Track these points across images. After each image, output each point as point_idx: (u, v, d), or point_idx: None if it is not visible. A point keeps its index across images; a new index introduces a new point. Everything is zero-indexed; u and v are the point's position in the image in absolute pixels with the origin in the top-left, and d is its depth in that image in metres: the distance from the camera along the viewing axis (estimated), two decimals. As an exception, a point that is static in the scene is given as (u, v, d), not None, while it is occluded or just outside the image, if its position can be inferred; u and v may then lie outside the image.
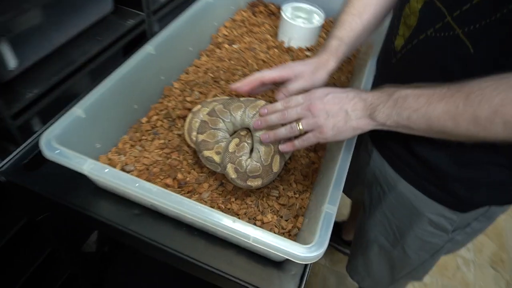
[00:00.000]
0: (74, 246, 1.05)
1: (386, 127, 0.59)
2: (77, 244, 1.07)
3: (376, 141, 0.84)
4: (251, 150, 0.71)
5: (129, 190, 0.56)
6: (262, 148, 0.67)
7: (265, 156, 0.67)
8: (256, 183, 0.65)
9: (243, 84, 0.72)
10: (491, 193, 0.68)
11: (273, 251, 0.52)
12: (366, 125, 0.59)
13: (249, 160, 0.68)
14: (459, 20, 0.54)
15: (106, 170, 0.57)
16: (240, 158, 0.67)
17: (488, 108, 0.46)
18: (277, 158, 0.66)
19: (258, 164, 0.66)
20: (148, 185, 0.56)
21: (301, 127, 0.62)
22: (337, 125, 0.59)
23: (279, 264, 0.64)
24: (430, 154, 0.67)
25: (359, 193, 1.00)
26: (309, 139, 0.62)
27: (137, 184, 0.56)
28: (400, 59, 0.69)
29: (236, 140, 0.69)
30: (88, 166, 0.58)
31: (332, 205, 0.57)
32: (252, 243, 0.52)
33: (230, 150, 0.67)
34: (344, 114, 0.60)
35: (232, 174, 0.65)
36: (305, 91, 0.67)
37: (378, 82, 0.80)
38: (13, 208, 0.90)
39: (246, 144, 0.69)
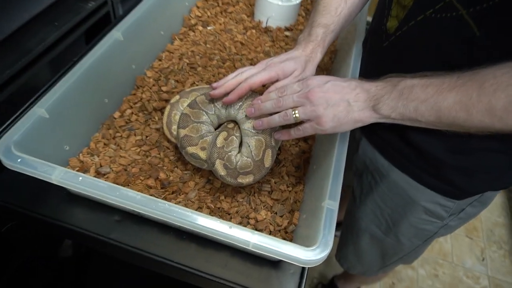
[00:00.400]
0: (48, 253, 0.97)
1: (390, 120, 0.55)
2: (51, 251, 0.99)
3: (365, 129, 0.80)
4: (240, 144, 0.65)
5: (109, 199, 0.49)
6: (252, 142, 0.62)
7: (256, 150, 0.62)
8: (247, 180, 0.60)
9: (232, 95, 0.64)
10: (486, 179, 0.66)
11: (274, 256, 0.48)
12: (368, 117, 0.55)
13: (239, 155, 0.63)
14: (463, 0, 0.50)
15: (80, 179, 0.50)
16: (230, 153, 0.62)
17: (504, 97, 0.43)
18: (268, 152, 0.62)
19: (249, 159, 0.61)
20: (131, 192, 0.49)
21: (297, 115, 0.57)
22: (338, 116, 0.55)
23: (276, 264, 0.61)
24: (423, 142, 0.64)
25: (345, 178, 0.97)
26: (306, 130, 0.58)
27: (117, 193, 0.49)
28: (394, 42, 0.64)
29: (224, 134, 0.63)
30: (58, 175, 0.50)
31: (332, 200, 0.53)
32: (252, 249, 0.48)
33: (218, 145, 0.61)
34: (345, 104, 0.55)
35: (221, 171, 0.60)
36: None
37: (368, 67, 0.76)
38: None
39: (234, 137, 0.64)
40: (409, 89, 0.52)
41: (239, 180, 0.60)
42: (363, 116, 0.55)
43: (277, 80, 0.65)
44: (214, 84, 0.66)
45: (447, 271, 1.68)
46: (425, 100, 0.50)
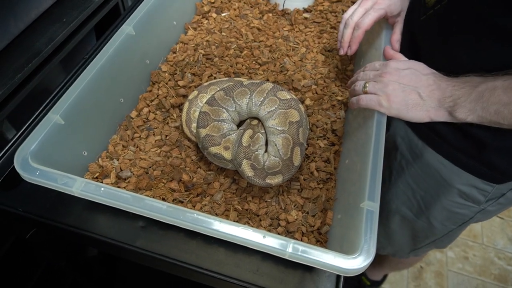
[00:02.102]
0: (73, 255, 0.97)
1: (463, 121, 0.53)
2: (76, 253, 0.99)
3: None
4: (266, 143, 0.61)
5: (134, 211, 0.46)
6: (279, 140, 0.58)
7: (284, 149, 0.57)
8: (276, 180, 0.56)
9: (354, 46, 0.70)
10: None
11: (313, 266, 0.45)
12: (440, 117, 0.56)
13: (266, 154, 0.59)
14: None
15: (102, 190, 0.47)
16: (256, 152, 0.58)
17: None
18: (297, 150, 0.57)
19: (277, 158, 0.57)
20: (156, 203, 0.46)
21: (366, 88, 0.59)
22: (407, 102, 0.56)
23: (310, 266, 0.57)
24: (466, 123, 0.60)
25: None
26: (370, 101, 0.58)
27: (142, 204, 0.46)
28: (432, 16, 0.59)
29: (249, 132, 0.59)
30: (79, 187, 0.48)
31: (372, 201, 0.49)
32: (289, 258, 0.45)
33: (244, 144, 0.57)
34: (416, 95, 0.55)
35: (249, 172, 0.56)
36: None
37: (402, 41, 0.70)
38: (-3, 227, 0.79)
39: (260, 135, 0.60)
40: (490, 91, 0.50)
41: (268, 181, 0.56)
42: (436, 114, 0.56)
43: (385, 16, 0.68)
44: (338, 45, 0.73)
45: (478, 253, 1.62)
46: (508, 103, 0.48)
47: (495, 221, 1.72)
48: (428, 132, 0.69)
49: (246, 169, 0.56)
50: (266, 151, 0.60)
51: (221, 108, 0.63)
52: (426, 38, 0.64)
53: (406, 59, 0.62)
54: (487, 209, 0.74)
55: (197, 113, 0.67)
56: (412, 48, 0.68)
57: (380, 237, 1.01)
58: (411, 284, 1.52)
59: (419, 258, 1.25)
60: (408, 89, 0.56)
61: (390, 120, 0.79)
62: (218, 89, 0.67)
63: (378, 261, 1.33)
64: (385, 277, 1.48)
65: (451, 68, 0.57)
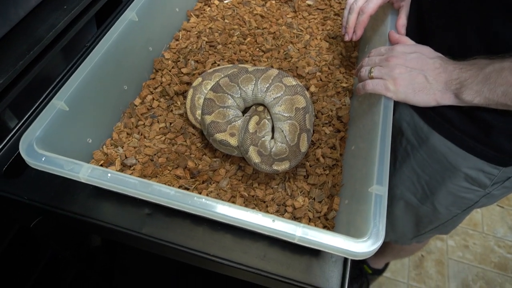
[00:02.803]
0: (77, 245, 0.97)
1: (471, 104, 0.53)
2: (81, 242, 0.99)
3: None
4: (272, 129, 0.61)
5: (142, 196, 0.46)
6: (285, 127, 0.58)
7: (291, 135, 0.57)
8: (283, 166, 0.56)
9: (359, 31, 0.70)
10: None
11: (322, 249, 0.45)
12: (446, 100, 0.55)
13: (272, 141, 0.58)
14: None
15: (109, 175, 0.47)
16: (263, 138, 0.57)
17: None
18: (304, 136, 0.57)
19: (284, 144, 0.57)
20: (164, 188, 0.46)
21: (372, 73, 0.58)
22: (414, 85, 0.55)
23: (317, 252, 0.57)
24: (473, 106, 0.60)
25: None
26: (377, 86, 0.57)
27: (149, 189, 0.46)
28: None
29: (255, 118, 0.59)
30: (85, 173, 0.47)
31: (380, 185, 0.49)
32: (298, 242, 0.45)
33: (250, 130, 0.57)
34: (423, 78, 0.55)
35: (256, 159, 0.56)
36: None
37: (409, 18, 0.70)
38: (0, 215, 0.79)
39: (266, 121, 0.59)
40: (497, 72, 0.49)
41: (275, 168, 0.56)
42: (443, 98, 0.55)
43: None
44: (343, 31, 0.73)
45: (478, 242, 1.63)
46: None
47: (495, 209, 1.73)
48: (435, 116, 0.69)
49: (253, 155, 0.56)
50: (272, 137, 0.60)
51: (226, 94, 0.62)
52: (434, 19, 0.63)
53: (413, 42, 0.62)
54: (492, 193, 0.74)
55: (201, 100, 0.67)
56: (419, 31, 0.67)
57: None
58: (412, 273, 1.53)
59: (421, 246, 1.26)
60: (414, 73, 0.56)
61: (395, 105, 0.79)
62: (222, 75, 0.67)
63: (380, 249, 1.33)
64: (386, 265, 1.49)
65: (459, 49, 0.57)
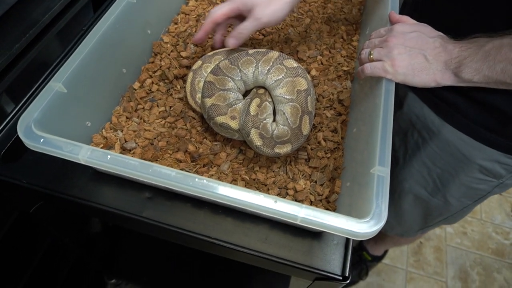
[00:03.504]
0: (77, 231, 0.97)
1: (471, 84, 0.52)
2: (80, 229, 0.99)
3: None
4: (273, 112, 0.60)
5: (142, 178, 0.46)
6: (287, 109, 0.57)
7: (293, 117, 0.56)
8: (285, 149, 0.55)
9: (199, 32, 0.65)
10: None
11: (325, 230, 0.44)
12: (447, 80, 0.53)
13: (274, 123, 0.58)
14: None
15: (109, 157, 0.46)
16: (265, 121, 0.57)
17: None
18: (306, 118, 0.56)
19: (286, 127, 0.56)
20: (165, 169, 0.45)
21: (372, 55, 0.57)
22: (413, 65, 0.54)
23: (319, 235, 0.57)
24: (488, 95, 0.58)
25: None
26: (376, 69, 0.56)
27: (150, 170, 0.45)
28: None
29: (256, 100, 0.58)
30: (85, 154, 0.47)
31: (383, 166, 0.48)
32: (300, 223, 0.44)
33: (251, 113, 0.56)
34: (422, 58, 0.53)
35: (257, 141, 0.55)
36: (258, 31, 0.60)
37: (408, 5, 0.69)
38: (0, 201, 0.79)
39: (268, 103, 0.59)
40: (497, 49, 0.48)
41: (276, 150, 0.55)
42: (442, 77, 0.54)
43: (240, 15, 0.63)
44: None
45: (476, 228, 1.65)
46: None
47: (493, 197, 1.74)
48: (447, 107, 0.68)
49: (255, 138, 0.55)
50: (274, 120, 0.60)
51: (226, 77, 0.61)
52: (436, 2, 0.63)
53: (413, 21, 0.60)
54: (505, 183, 0.73)
55: (201, 83, 0.66)
56: (416, 13, 0.66)
57: (390, 217, 1.00)
58: (410, 259, 1.55)
59: (423, 234, 1.26)
60: (414, 52, 0.54)
61: (404, 98, 0.77)
62: (222, 58, 0.66)
63: (381, 237, 1.34)
64: (385, 252, 1.50)
65: (458, 29, 0.56)
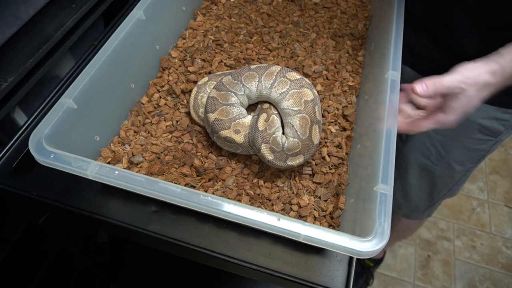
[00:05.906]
0: (85, 241, 0.98)
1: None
2: (88, 239, 1.00)
3: (409, 54, 0.76)
4: (282, 125, 0.61)
5: (148, 194, 0.47)
6: (296, 121, 0.58)
7: (302, 129, 0.57)
8: (297, 161, 0.57)
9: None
10: None
11: (328, 248, 0.45)
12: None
13: (283, 136, 0.59)
14: None
15: (116, 173, 0.47)
16: (274, 135, 0.58)
17: None
18: (315, 128, 0.57)
19: (296, 139, 0.57)
20: (171, 186, 0.46)
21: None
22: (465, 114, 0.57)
23: (322, 250, 0.58)
24: (477, 49, 0.60)
25: None
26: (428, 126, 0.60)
27: (156, 187, 0.46)
28: None
29: (263, 116, 0.59)
30: (93, 170, 0.48)
31: (385, 184, 0.49)
32: (303, 241, 0.45)
33: (260, 128, 0.57)
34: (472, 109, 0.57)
35: (269, 156, 0.56)
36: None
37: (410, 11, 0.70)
38: (10, 212, 0.80)
39: (275, 116, 0.60)
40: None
41: (289, 163, 0.56)
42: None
43: None
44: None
45: (485, 242, 1.62)
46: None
47: (503, 210, 1.72)
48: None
49: (266, 153, 0.56)
50: (283, 133, 0.61)
51: (229, 92, 0.62)
52: (437, 8, 0.64)
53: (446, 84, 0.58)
54: (501, 140, 0.77)
55: (204, 99, 0.67)
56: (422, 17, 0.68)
57: (397, 195, 1.01)
58: (418, 273, 1.53)
59: (423, 222, 1.25)
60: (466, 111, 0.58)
61: (403, 69, 0.79)
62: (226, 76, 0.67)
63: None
64: (384, 253, 1.50)
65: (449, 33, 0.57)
